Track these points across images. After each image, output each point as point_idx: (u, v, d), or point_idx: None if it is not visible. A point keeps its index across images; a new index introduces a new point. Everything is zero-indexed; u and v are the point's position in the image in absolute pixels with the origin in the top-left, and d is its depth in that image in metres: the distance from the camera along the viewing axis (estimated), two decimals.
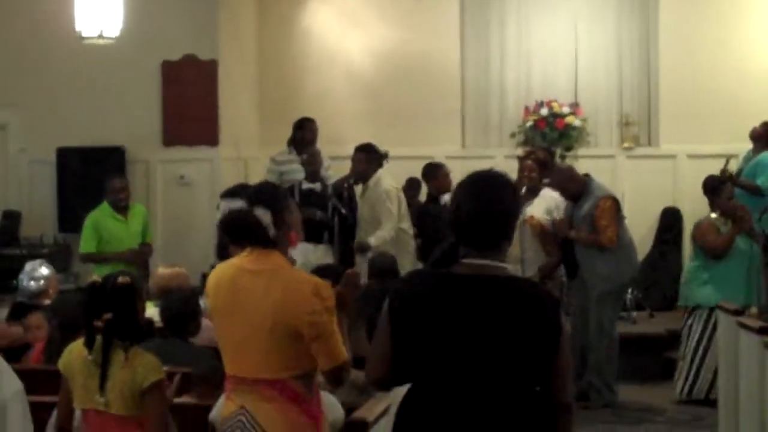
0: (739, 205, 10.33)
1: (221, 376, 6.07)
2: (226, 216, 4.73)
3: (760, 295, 9.93)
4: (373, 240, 10.47)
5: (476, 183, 4.01)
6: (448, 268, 3.95)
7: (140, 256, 10.51)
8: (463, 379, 3.80)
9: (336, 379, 4.67)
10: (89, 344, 5.16)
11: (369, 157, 10.76)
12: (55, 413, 5.50)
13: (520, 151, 12.41)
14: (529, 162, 10.96)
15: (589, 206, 10.16)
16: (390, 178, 11.02)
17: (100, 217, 10.55)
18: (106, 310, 5.12)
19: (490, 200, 3.93)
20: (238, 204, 4.72)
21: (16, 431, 5.10)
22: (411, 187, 12.09)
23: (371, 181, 10.68)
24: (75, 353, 5.25)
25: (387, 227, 10.51)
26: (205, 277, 8.71)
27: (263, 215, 4.68)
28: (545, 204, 10.53)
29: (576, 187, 10.31)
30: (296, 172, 11.67)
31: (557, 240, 10.45)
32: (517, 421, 3.81)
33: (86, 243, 10.52)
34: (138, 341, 5.23)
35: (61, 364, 5.31)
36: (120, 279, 5.26)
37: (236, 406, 4.67)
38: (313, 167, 11.29)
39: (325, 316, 4.58)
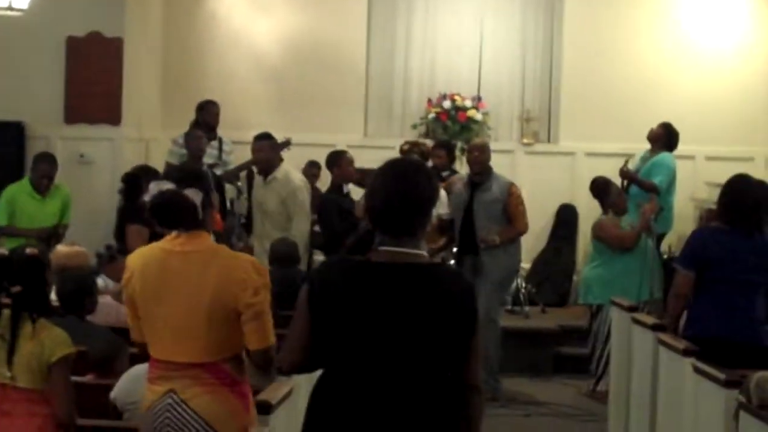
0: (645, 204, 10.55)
1: (122, 354, 6.08)
2: (157, 197, 4.66)
3: (652, 289, 10.17)
4: (296, 235, 10.23)
5: (392, 169, 4.01)
6: (365, 255, 3.96)
7: (49, 235, 10.37)
8: (380, 365, 3.83)
9: (265, 360, 4.65)
10: None
11: (272, 145, 10.65)
12: None
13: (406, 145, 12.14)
14: (414, 156, 10.96)
15: (499, 191, 10.22)
16: (297, 171, 11.00)
17: (17, 193, 10.49)
18: (14, 282, 5.06)
19: (405, 186, 3.92)
20: (167, 186, 4.67)
21: None
22: (311, 168, 12.14)
23: (279, 173, 10.46)
24: None
25: (303, 221, 10.43)
26: (100, 257, 8.69)
27: (194, 195, 4.66)
28: None
29: (487, 165, 10.42)
30: None
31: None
32: (431, 406, 3.85)
33: None
34: (46, 314, 5.17)
35: None
36: (28, 251, 5.20)
37: (163, 389, 4.61)
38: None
39: (263, 293, 4.59)
